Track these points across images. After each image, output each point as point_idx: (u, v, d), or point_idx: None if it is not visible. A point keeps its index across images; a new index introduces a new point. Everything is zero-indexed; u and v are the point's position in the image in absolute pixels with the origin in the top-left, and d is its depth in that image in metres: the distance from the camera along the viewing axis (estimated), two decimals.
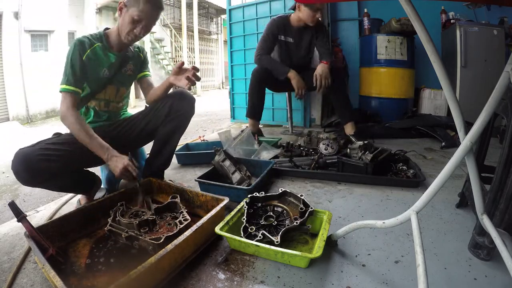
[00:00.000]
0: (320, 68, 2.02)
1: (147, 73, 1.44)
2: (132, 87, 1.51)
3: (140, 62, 1.40)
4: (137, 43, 1.35)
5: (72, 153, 1.10)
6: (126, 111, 1.48)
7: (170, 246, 0.79)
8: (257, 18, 3.18)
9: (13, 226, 1.19)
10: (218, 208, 1.01)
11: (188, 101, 1.34)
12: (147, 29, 1.20)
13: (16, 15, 6.87)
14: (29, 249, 1.00)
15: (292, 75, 2.05)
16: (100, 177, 1.37)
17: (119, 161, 1.10)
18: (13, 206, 0.85)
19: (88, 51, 1.18)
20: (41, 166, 1.00)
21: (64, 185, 1.17)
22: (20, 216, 0.84)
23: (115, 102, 1.35)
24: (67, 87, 1.13)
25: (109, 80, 1.27)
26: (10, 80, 6.86)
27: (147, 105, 1.41)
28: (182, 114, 1.32)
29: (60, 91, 1.14)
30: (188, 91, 1.35)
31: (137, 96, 9.48)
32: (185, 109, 1.32)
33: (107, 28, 1.29)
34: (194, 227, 0.88)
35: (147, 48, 9.66)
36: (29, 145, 1.06)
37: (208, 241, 0.98)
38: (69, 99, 1.13)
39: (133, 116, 1.41)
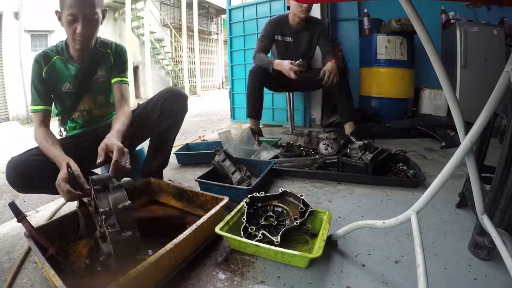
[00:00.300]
0: (330, 65, 2.01)
1: (119, 79, 1.26)
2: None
3: (110, 63, 1.27)
4: (113, 42, 1.27)
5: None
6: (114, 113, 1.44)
7: (169, 245, 0.79)
8: (257, 18, 3.18)
9: (13, 226, 1.19)
10: (218, 207, 1.01)
11: (180, 99, 1.31)
12: (88, 24, 1.05)
13: (16, 15, 6.87)
14: (29, 249, 1.00)
15: (276, 62, 2.01)
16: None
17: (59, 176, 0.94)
18: (13, 206, 0.84)
19: (46, 67, 1.14)
20: (32, 172, 1.00)
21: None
22: (20, 216, 0.84)
23: (97, 110, 1.31)
24: (34, 107, 1.14)
25: (79, 92, 1.22)
26: (10, 80, 6.87)
27: (139, 103, 1.38)
28: (176, 113, 1.30)
29: (31, 111, 1.15)
30: (179, 88, 1.34)
31: (137, 96, 9.48)
32: (178, 107, 1.30)
33: None
34: (193, 226, 0.88)
35: (147, 48, 9.64)
36: (21, 152, 1.07)
37: (208, 240, 0.98)
38: (37, 119, 1.13)
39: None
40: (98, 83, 1.26)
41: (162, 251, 0.77)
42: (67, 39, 1.18)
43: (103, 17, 1.14)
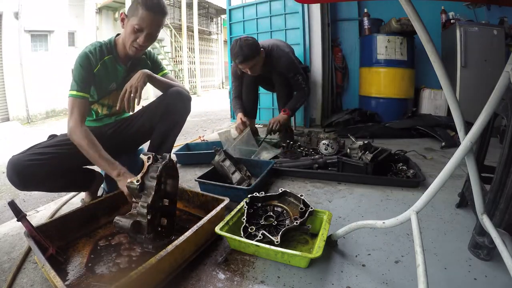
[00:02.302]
0: (280, 117, 2.05)
1: (163, 72, 1.40)
2: None
3: (148, 68, 1.32)
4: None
5: (64, 154, 1.10)
6: (126, 113, 1.46)
7: (170, 247, 0.79)
8: (257, 18, 3.18)
9: (13, 226, 1.19)
10: (218, 208, 1.01)
11: (184, 100, 1.34)
12: (150, 38, 1.16)
13: (16, 15, 6.87)
14: (29, 249, 1.00)
15: (238, 115, 2.16)
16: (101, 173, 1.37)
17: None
18: (12, 205, 0.84)
19: (99, 65, 1.18)
20: (31, 170, 1.01)
21: (61, 186, 1.18)
22: (20, 215, 0.84)
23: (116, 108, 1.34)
24: (77, 93, 1.12)
25: (117, 89, 1.28)
26: (10, 80, 6.87)
27: (143, 105, 1.40)
28: (178, 113, 1.32)
29: (69, 96, 1.12)
30: (185, 90, 1.35)
31: None
32: (181, 108, 1.33)
33: (118, 34, 1.26)
34: (194, 228, 0.88)
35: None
36: (22, 151, 1.07)
37: (208, 241, 0.98)
38: (77, 109, 1.10)
39: (130, 115, 1.41)
40: None
41: (163, 252, 0.77)
42: (116, 38, 1.24)
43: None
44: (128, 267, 0.86)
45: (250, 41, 1.87)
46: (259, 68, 1.99)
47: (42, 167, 1.03)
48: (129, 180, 0.93)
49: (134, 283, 0.69)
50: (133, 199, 0.95)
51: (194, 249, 0.92)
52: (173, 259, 0.83)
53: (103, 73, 1.20)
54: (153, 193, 0.90)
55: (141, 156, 0.96)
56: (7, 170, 1.01)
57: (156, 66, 1.40)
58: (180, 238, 0.84)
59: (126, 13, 1.17)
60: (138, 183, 0.91)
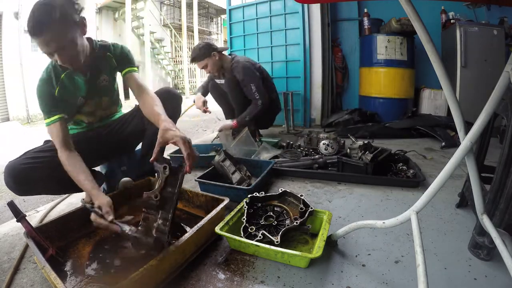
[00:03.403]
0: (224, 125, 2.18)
1: (128, 69, 1.24)
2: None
3: (113, 65, 1.25)
4: (111, 44, 1.23)
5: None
6: (120, 113, 1.43)
7: (172, 248, 0.79)
8: (257, 18, 3.18)
9: (13, 226, 1.19)
10: (218, 208, 1.01)
11: (174, 100, 1.33)
12: (64, 52, 0.98)
13: (16, 15, 6.86)
14: (26, 248, 1.01)
15: (197, 97, 2.38)
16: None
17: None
18: (12, 205, 0.84)
19: (58, 87, 1.11)
20: (27, 174, 1.01)
21: (60, 188, 1.17)
22: (19, 216, 0.84)
23: (101, 110, 1.31)
24: (48, 119, 1.07)
25: (85, 97, 1.22)
26: (10, 80, 6.86)
27: (136, 104, 1.39)
28: (170, 113, 1.31)
29: (47, 126, 1.08)
30: (175, 89, 1.33)
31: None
32: (171, 108, 1.30)
33: None
34: (195, 228, 0.88)
35: (147, 48, 9.63)
36: (17, 156, 1.07)
37: (208, 241, 0.98)
38: (55, 136, 1.06)
39: (122, 116, 1.40)
40: (101, 86, 1.24)
41: (164, 253, 0.77)
42: None
43: (84, 25, 1.06)
44: (129, 267, 0.86)
45: (201, 44, 2.14)
46: (213, 69, 2.18)
47: (37, 170, 1.03)
48: (145, 195, 0.86)
49: (135, 284, 0.69)
50: (145, 210, 0.88)
51: (194, 249, 0.92)
52: (174, 260, 0.83)
53: (64, 92, 1.13)
54: (172, 209, 0.85)
55: (156, 165, 0.88)
56: (4, 175, 1.01)
57: (124, 62, 1.25)
58: (181, 239, 0.84)
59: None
60: (157, 199, 0.85)
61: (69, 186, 1.21)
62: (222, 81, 2.34)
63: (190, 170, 0.86)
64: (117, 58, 1.24)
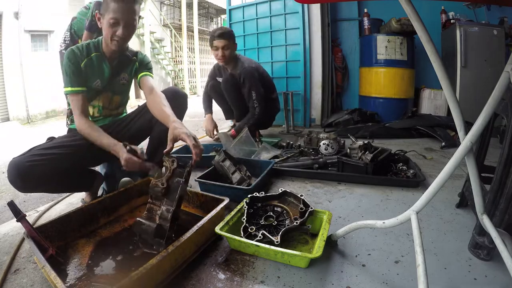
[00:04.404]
0: (222, 133, 2.14)
1: (146, 73, 1.36)
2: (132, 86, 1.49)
3: (135, 68, 1.36)
4: (135, 49, 1.35)
5: (64, 155, 1.10)
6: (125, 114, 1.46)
7: (171, 247, 0.79)
8: (257, 18, 3.18)
9: (13, 226, 1.19)
10: (218, 208, 1.01)
11: (181, 99, 1.35)
12: (128, 28, 1.17)
13: (16, 15, 6.87)
14: (19, 247, 1.02)
15: (206, 118, 2.43)
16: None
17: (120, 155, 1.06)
18: (12, 205, 0.84)
19: (86, 59, 1.20)
20: (32, 171, 1.01)
21: (62, 187, 1.18)
22: (19, 216, 0.84)
23: (108, 109, 1.35)
24: (71, 88, 1.16)
25: (102, 88, 1.28)
26: (10, 80, 6.86)
27: (139, 105, 1.40)
28: (176, 112, 1.33)
29: (66, 93, 1.16)
30: (181, 89, 1.36)
31: (137, 96, 9.47)
32: (178, 107, 1.32)
33: None
34: (195, 228, 0.88)
35: (147, 48, 9.64)
36: (22, 153, 1.07)
37: (208, 241, 0.98)
38: (77, 102, 1.16)
39: (128, 115, 1.41)
40: (119, 84, 1.33)
41: (164, 253, 0.77)
42: (102, 39, 1.25)
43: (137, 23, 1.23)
44: (129, 267, 0.86)
45: (230, 29, 2.19)
46: (228, 54, 2.14)
47: (44, 168, 1.03)
48: (153, 182, 0.93)
49: (134, 284, 0.69)
50: (151, 200, 0.93)
51: (195, 249, 0.92)
52: (174, 259, 0.83)
53: (89, 68, 1.21)
54: (177, 197, 0.90)
55: (164, 159, 0.95)
56: (9, 172, 1.01)
57: (143, 67, 1.37)
58: (181, 238, 0.84)
59: (100, 12, 1.18)
60: (163, 187, 0.90)
61: (74, 185, 1.23)
62: (220, 80, 2.33)
63: (198, 159, 0.97)
64: (140, 63, 1.36)
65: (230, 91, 2.23)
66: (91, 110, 1.31)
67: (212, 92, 2.42)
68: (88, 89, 1.23)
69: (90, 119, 1.31)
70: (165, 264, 0.79)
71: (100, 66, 1.24)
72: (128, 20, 1.16)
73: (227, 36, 2.10)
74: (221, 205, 1.03)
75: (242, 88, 2.19)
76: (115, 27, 1.15)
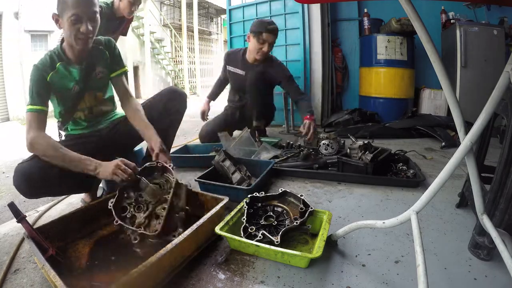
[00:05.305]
0: (307, 124, 1.93)
1: (118, 72, 1.30)
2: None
3: (106, 60, 1.27)
4: (102, 38, 1.27)
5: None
6: (115, 112, 1.43)
7: (170, 246, 0.79)
8: (257, 18, 3.17)
9: (13, 226, 1.19)
10: (218, 207, 1.01)
11: (180, 98, 1.34)
12: (92, 22, 1.09)
13: (16, 15, 6.87)
14: (18, 247, 1.02)
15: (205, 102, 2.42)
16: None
17: (108, 165, 1.03)
18: (12, 207, 0.84)
19: (51, 73, 1.14)
20: (40, 176, 1.01)
21: (67, 189, 1.18)
22: (19, 216, 0.84)
23: (98, 107, 1.31)
24: (32, 106, 1.08)
25: (82, 90, 1.23)
26: (10, 80, 6.86)
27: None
28: (176, 111, 1.33)
29: (27, 112, 1.09)
30: (179, 88, 1.35)
31: (137, 96, 9.47)
32: (178, 106, 1.33)
33: (63, 40, 1.19)
34: (194, 226, 0.88)
35: (147, 48, 9.63)
36: (26, 159, 1.06)
37: (208, 240, 0.98)
38: (34, 122, 1.07)
39: (121, 118, 1.38)
40: (97, 80, 1.26)
41: (163, 251, 0.77)
42: (61, 43, 1.18)
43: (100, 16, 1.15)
44: (128, 267, 0.86)
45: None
46: (268, 52, 2.11)
47: (50, 171, 1.02)
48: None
49: (134, 281, 0.69)
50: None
51: (194, 247, 0.92)
52: (173, 258, 0.83)
53: (57, 78, 1.15)
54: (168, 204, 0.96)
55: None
56: (16, 179, 1.00)
57: (116, 62, 1.29)
58: (180, 236, 0.84)
59: (58, 12, 1.10)
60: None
61: (75, 187, 1.22)
62: (239, 72, 2.26)
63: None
64: (111, 55, 1.27)
65: (257, 86, 2.14)
66: (81, 114, 1.27)
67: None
68: (66, 97, 1.19)
69: (86, 124, 1.29)
70: (164, 262, 0.79)
71: (70, 73, 1.18)
72: (91, 14, 1.08)
73: (277, 33, 2.07)
74: (221, 204, 1.03)
75: (286, 83, 2.16)
76: (77, 24, 1.06)
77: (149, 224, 0.96)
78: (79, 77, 1.20)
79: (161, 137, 1.32)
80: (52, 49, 1.19)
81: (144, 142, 1.48)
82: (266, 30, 2.01)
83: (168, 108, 1.31)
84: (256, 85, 2.15)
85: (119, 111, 1.45)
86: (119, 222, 0.93)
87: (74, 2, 1.04)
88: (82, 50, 1.16)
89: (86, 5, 1.06)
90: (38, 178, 1.00)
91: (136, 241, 0.92)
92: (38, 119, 1.08)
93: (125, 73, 1.33)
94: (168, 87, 1.35)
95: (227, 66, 2.32)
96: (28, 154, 1.08)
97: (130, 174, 1.02)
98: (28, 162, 1.04)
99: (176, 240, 0.82)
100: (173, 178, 1.05)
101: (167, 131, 1.34)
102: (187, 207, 1.02)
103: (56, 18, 1.10)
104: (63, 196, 1.50)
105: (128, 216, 0.97)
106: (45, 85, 1.13)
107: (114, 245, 0.98)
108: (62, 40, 1.19)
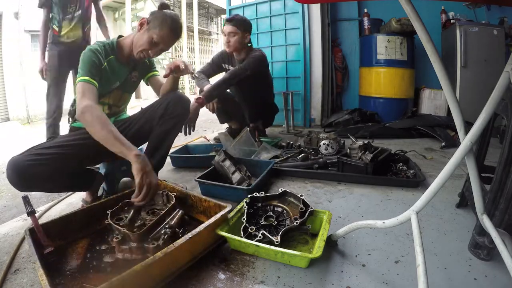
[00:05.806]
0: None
1: (155, 72, 1.45)
2: None
3: (145, 67, 1.42)
4: None
5: (64, 155, 1.09)
6: (125, 113, 1.48)
7: (159, 254, 0.76)
8: (257, 18, 3.18)
9: (13, 226, 1.19)
10: (218, 216, 0.96)
11: (183, 104, 1.34)
12: (160, 53, 1.25)
13: (16, 15, 6.87)
14: (19, 247, 1.02)
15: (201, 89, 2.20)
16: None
17: (149, 173, 1.00)
18: (26, 199, 0.92)
19: (105, 63, 1.21)
20: (31, 171, 1.01)
21: (62, 186, 1.17)
22: (30, 210, 0.90)
23: (116, 107, 1.37)
24: (88, 78, 1.10)
25: (118, 88, 1.32)
26: (10, 80, 6.86)
27: (142, 107, 1.41)
28: (177, 116, 1.32)
29: (79, 81, 1.10)
30: (185, 94, 1.38)
31: (137, 97, 9.47)
32: (180, 111, 1.32)
33: (120, 36, 1.30)
34: (189, 235, 0.85)
35: None
36: (21, 152, 1.06)
37: (207, 249, 0.94)
38: (90, 90, 1.08)
39: (129, 117, 1.41)
40: (131, 82, 1.37)
41: (150, 260, 0.74)
42: (118, 40, 1.27)
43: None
44: (125, 269, 0.85)
45: (247, 20, 2.11)
46: (235, 42, 2.05)
47: (43, 167, 1.03)
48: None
49: (128, 283, 0.68)
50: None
51: (190, 257, 0.88)
52: (164, 267, 0.80)
53: (108, 71, 1.23)
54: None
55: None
56: (7, 170, 1.01)
57: (151, 66, 1.44)
58: (171, 245, 0.80)
59: (148, 20, 1.21)
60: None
61: (73, 184, 1.23)
62: (229, 68, 2.24)
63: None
64: (149, 61, 1.42)
65: (238, 84, 2.08)
66: (100, 107, 1.30)
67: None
68: (105, 89, 1.25)
69: None
70: (153, 271, 0.76)
71: (119, 68, 1.28)
72: (165, 49, 1.25)
73: (235, 23, 2.02)
74: (221, 213, 0.98)
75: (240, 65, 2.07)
76: (153, 47, 1.21)
77: (133, 227, 0.97)
78: (124, 76, 1.30)
79: (160, 139, 1.33)
80: (104, 41, 1.26)
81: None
82: (224, 22, 2.10)
83: (169, 111, 1.31)
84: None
85: (129, 111, 1.50)
86: (108, 221, 0.96)
87: (167, 34, 1.20)
88: (133, 58, 1.28)
89: (171, 42, 1.25)
90: (28, 171, 1.00)
91: (117, 240, 0.90)
92: (92, 90, 1.10)
93: (157, 75, 1.46)
94: (173, 93, 1.36)
95: (223, 64, 2.31)
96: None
97: (145, 199, 0.99)
98: (20, 156, 1.04)
99: (166, 249, 0.78)
100: (173, 201, 1.06)
101: (166, 134, 1.34)
102: (177, 229, 0.98)
103: (143, 23, 1.22)
104: (63, 196, 1.51)
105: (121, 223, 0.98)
106: (99, 68, 1.18)
107: (112, 247, 0.97)
108: (119, 36, 1.29)
